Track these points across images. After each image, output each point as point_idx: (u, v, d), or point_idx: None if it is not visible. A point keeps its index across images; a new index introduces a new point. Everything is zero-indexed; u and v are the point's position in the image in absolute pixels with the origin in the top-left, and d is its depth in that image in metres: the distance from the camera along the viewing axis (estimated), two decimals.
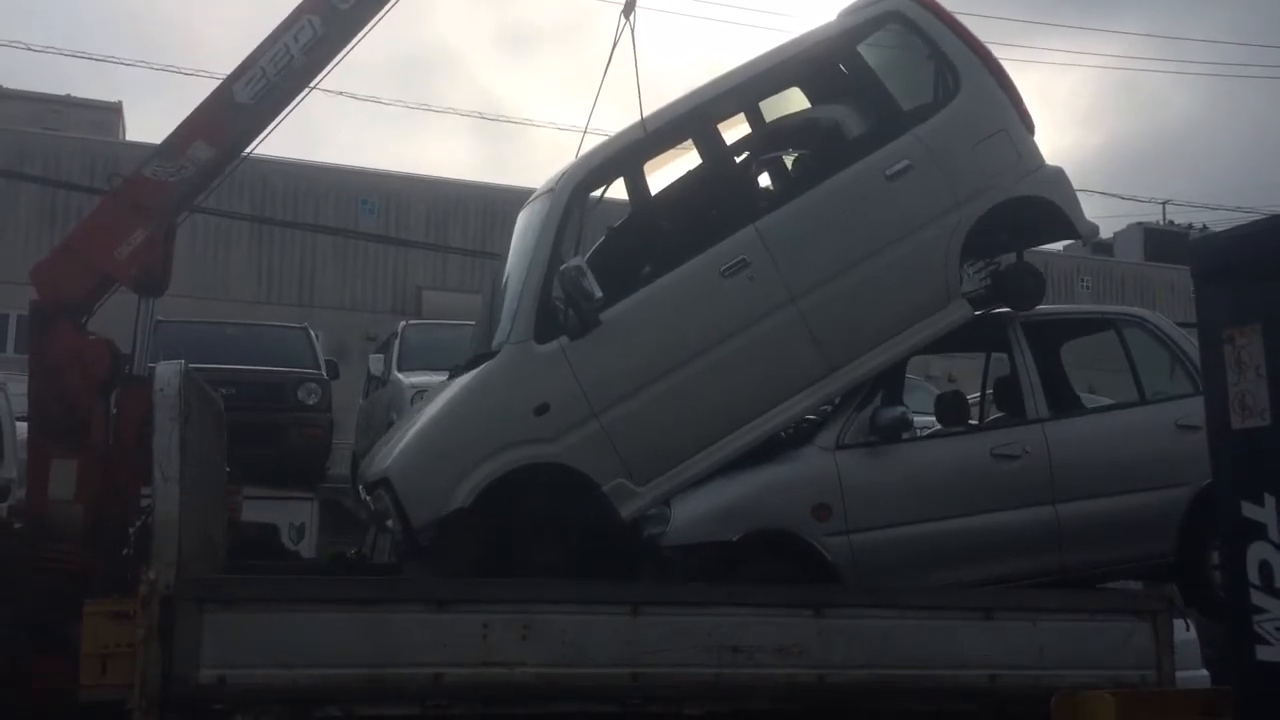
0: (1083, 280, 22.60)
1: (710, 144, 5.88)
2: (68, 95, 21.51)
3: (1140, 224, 26.42)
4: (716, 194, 5.82)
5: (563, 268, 5.28)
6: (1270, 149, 58.78)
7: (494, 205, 17.86)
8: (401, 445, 5.40)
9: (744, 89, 5.88)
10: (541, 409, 5.20)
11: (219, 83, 6.19)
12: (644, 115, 5.56)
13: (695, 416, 5.35)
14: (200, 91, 6.24)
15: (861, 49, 5.94)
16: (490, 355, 5.43)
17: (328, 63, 6.10)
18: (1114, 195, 54.66)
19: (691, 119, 5.73)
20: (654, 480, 5.31)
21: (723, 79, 5.81)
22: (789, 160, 6.25)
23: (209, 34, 57.94)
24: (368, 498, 5.54)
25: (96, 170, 14.73)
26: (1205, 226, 24.53)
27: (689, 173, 6.32)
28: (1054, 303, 14.89)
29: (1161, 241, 24.75)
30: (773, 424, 5.45)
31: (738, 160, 6.26)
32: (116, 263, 5.91)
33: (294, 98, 6.11)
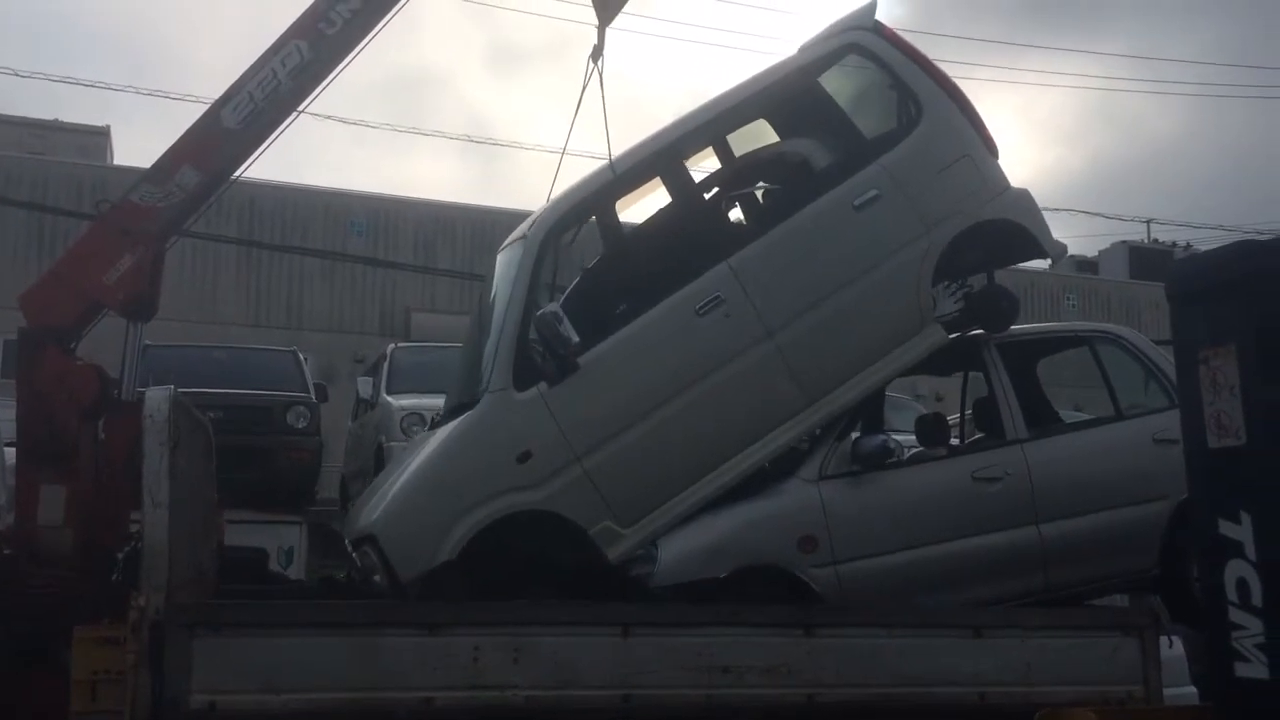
0: (1069, 298, 22.76)
1: (679, 183, 5.94)
2: (55, 120, 21.49)
3: (1125, 242, 26.64)
4: (688, 232, 5.85)
5: (538, 314, 5.32)
6: (1252, 167, 59.43)
7: (483, 226, 17.92)
8: (386, 501, 5.43)
9: (709, 127, 5.93)
10: (524, 456, 5.24)
11: (207, 107, 6.24)
12: (612, 157, 5.61)
13: (677, 456, 5.38)
14: (189, 116, 6.32)
15: (824, 81, 5.99)
16: (470, 405, 5.45)
17: (315, 87, 6.14)
18: (1099, 214, 55.22)
19: (659, 159, 5.79)
20: (640, 521, 5.34)
21: (688, 117, 5.86)
22: (759, 195, 6.28)
23: (198, 58, 58.04)
24: (354, 554, 5.56)
25: (84, 195, 14.74)
26: (1189, 244, 24.77)
27: (660, 211, 6.37)
28: (1042, 320, 14.99)
29: (1146, 259, 24.94)
30: (755, 458, 5.48)
31: (708, 197, 6.29)
32: (105, 288, 5.93)
33: (281, 122, 6.14)
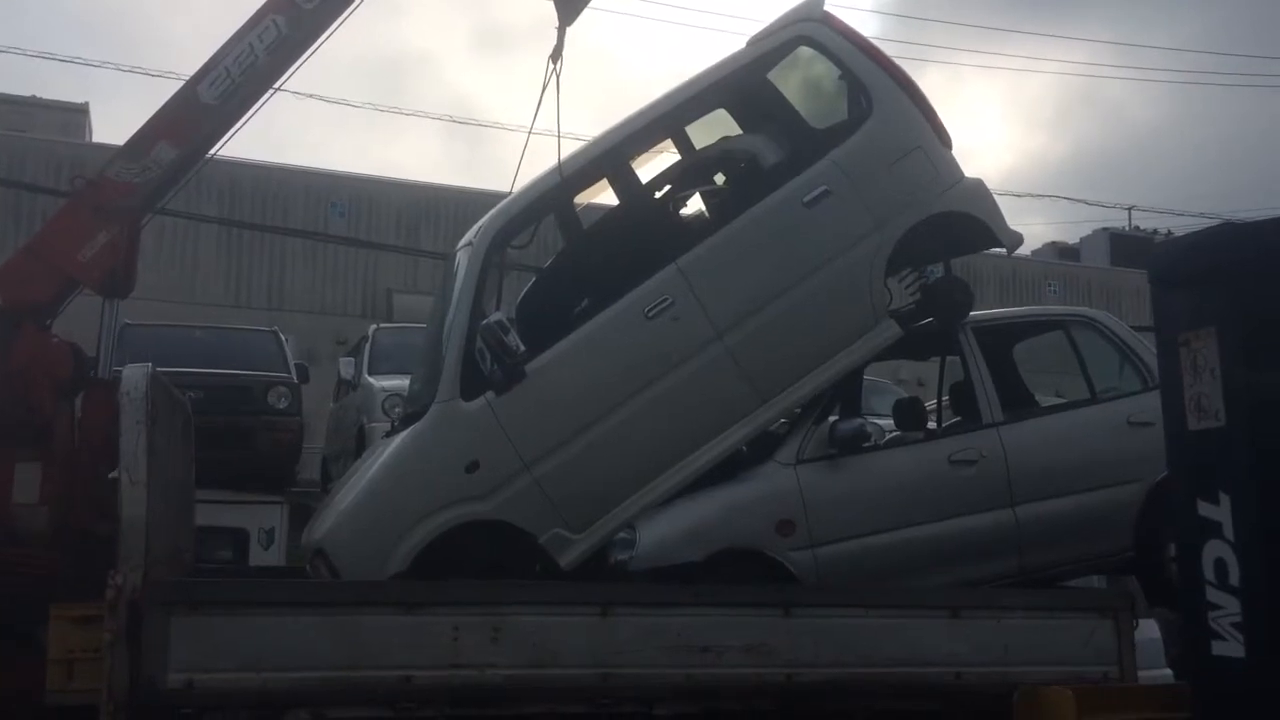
0: (1050, 285, 22.88)
1: (626, 185, 5.89)
2: (33, 96, 21.24)
3: (1106, 229, 26.77)
4: (636, 235, 5.79)
5: (483, 324, 5.27)
6: (1234, 155, 59.84)
7: (465, 208, 17.79)
8: (335, 515, 5.43)
9: (654, 126, 5.87)
10: (472, 466, 5.22)
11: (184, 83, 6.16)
12: (561, 160, 5.55)
13: (628, 460, 5.35)
14: (168, 93, 6.22)
15: (773, 75, 5.92)
16: (420, 415, 5.43)
17: (292, 63, 6.08)
18: (1080, 201, 55.56)
19: (605, 160, 5.73)
20: (591, 526, 5.32)
21: (634, 117, 5.80)
22: (708, 194, 6.20)
23: (177, 35, 57.43)
24: (308, 566, 5.56)
25: (63, 172, 14.59)
26: (1170, 231, 24.91)
27: (609, 213, 6.31)
28: (1023, 306, 14.99)
29: (1127, 246, 25.09)
30: (707, 458, 5.43)
31: (656, 197, 6.22)
32: (80, 265, 5.87)
33: (259, 98, 6.09)
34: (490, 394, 5.29)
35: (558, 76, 5.84)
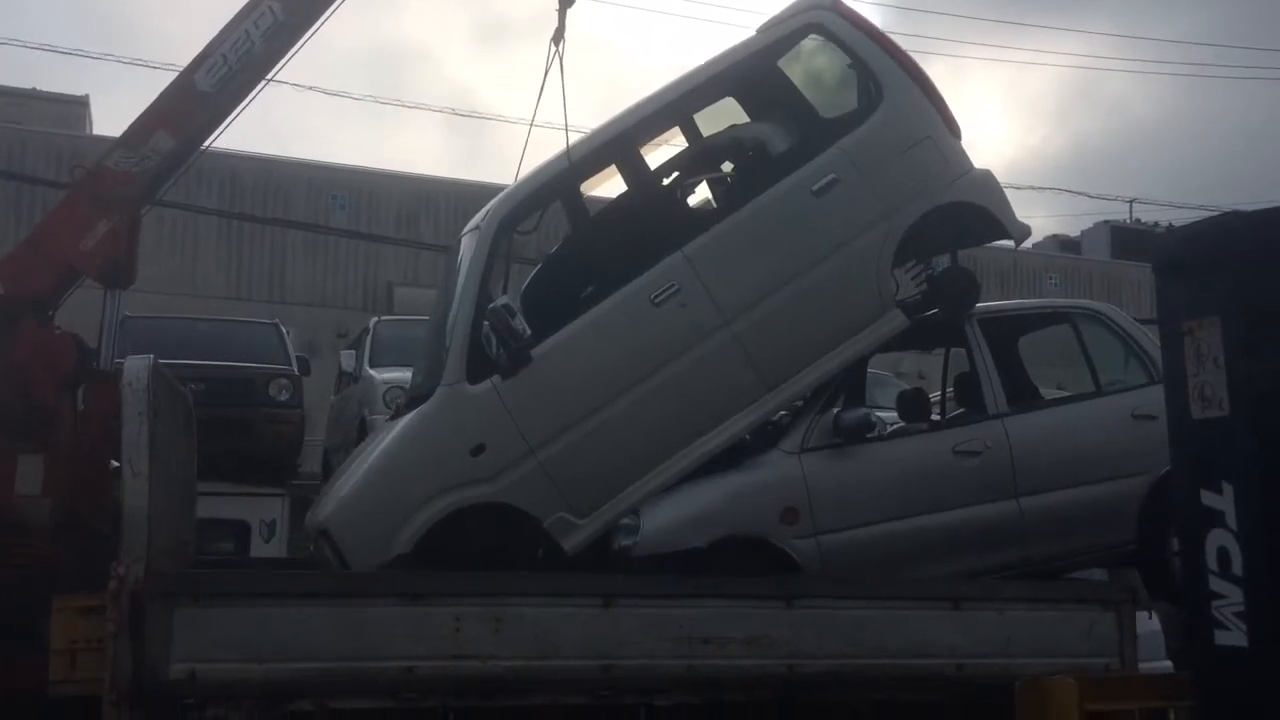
0: (1050, 277, 22.87)
1: (634, 171, 5.87)
2: (34, 89, 21.21)
3: (1107, 222, 26.75)
4: (643, 221, 5.78)
5: (490, 307, 5.28)
6: (1234, 147, 59.77)
7: (466, 200, 17.77)
8: (340, 496, 5.42)
9: (664, 113, 5.86)
10: (478, 449, 5.22)
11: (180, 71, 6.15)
12: (569, 145, 5.53)
13: (634, 446, 5.35)
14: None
15: (783, 63, 5.91)
16: (426, 397, 5.43)
17: (289, 50, 6.05)
18: (1082, 193, 55.52)
19: (613, 146, 5.72)
20: (595, 511, 5.32)
21: (643, 103, 5.78)
22: (716, 182, 6.19)
23: (177, 27, 57.33)
24: (312, 547, 5.54)
25: (63, 164, 14.54)
26: (1171, 224, 24.86)
27: (616, 199, 6.30)
28: (1024, 299, 14.98)
29: (1129, 239, 25.05)
30: (713, 444, 5.43)
31: (664, 184, 6.21)
32: (82, 254, 5.86)
33: (255, 85, 6.06)
34: (496, 378, 5.29)
35: (560, 59, 5.83)
